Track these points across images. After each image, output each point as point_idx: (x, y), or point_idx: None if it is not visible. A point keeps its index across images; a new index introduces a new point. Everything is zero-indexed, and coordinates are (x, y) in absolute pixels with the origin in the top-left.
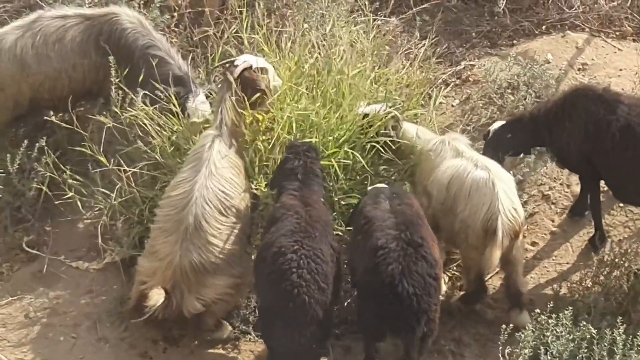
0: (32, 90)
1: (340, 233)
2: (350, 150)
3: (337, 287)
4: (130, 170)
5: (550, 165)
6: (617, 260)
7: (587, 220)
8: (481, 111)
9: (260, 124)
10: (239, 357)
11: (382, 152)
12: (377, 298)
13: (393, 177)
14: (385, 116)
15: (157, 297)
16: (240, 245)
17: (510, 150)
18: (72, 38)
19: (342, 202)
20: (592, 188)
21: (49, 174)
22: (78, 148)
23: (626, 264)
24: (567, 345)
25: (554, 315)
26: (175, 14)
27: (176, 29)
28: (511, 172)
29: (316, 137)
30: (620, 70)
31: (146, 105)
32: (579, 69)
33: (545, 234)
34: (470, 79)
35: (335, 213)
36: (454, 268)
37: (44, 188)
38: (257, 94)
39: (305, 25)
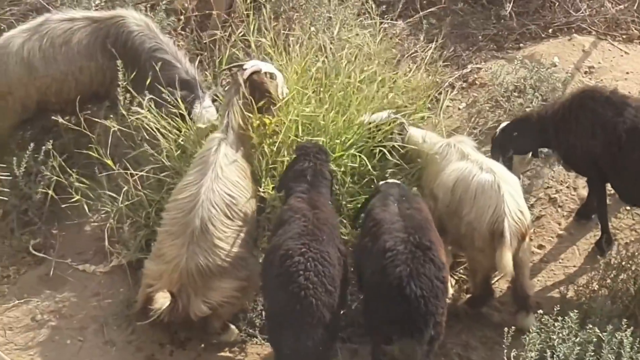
0: (39, 93)
1: (345, 237)
2: (358, 154)
3: (344, 290)
4: (137, 174)
5: (557, 168)
6: (623, 263)
7: (593, 223)
8: (488, 114)
9: (266, 127)
10: None
11: (389, 157)
12: (385, 300)
13: (400, 181)
14: (392, 122)
15: (162, 300)
16: (246, 248)
17: (517, 149)
18: (79, 41)
19: (349, 206)
20: (598, 190)
21: (55, 177)
22: (85, 151)
23: (633, 267)
24: (574, 348)
25: (560, 318)
26: (182, 17)
27: (183, 32)
28: (522, 172)
29: (323, 140)
30: (627, 73)
31: (152, 108)
32: (585, 72)
33: (552, 236)
34: (476, 82)
35: (341, 216)
36: (461, 271)
37: (50, 191)
38: (265, 98)
39: (312, 29)
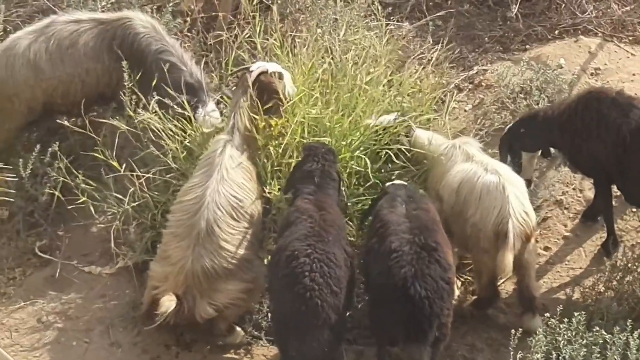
0: (45, 95)
1: (352, 239)
2: (363, 156)
3: (351, 291)
4: (143, 176)
5: (563, 170)
6: (629, 265)
7: (599, 225)
8: (494, 116)
9: (272, 129)
10: None
11: (395, 159)
12: (390, 301)
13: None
14: (398, 125)
15: (168, 303)
16: (252, 250)
17: (525, 146)
18: (85, 43)
19: (355, 207)
20: (604, 192)
21: (61, 178)
22: (91, 153)
23: (639, 269)
24: (580, 350)
25: (566, 320)
26: (188, 18)
27: (189, 34)
28: (533, 171)
29: (329, 142)
30: (634, 75)
31: (158, 110)
32: (591, 74)
33: (558, 238)
34: (483, 83)
35: (347, 217)
36: (467, 273)
37: (57, 193)
38: (273, 100)
39: (319, 30)
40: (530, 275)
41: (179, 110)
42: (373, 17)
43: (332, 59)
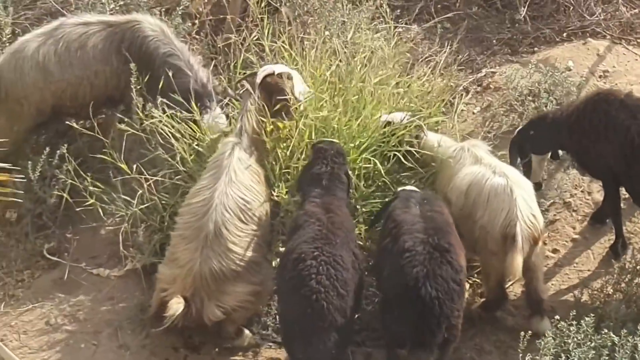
0: (54, 97)
1: (361, 242)
2: (372, 158)
3: (358, 293)
4: (151, 178)
5: (572, 172)
6: (638, 267)
7: (608, 227)
8: (502, 118)
9: (280, 132)
10: None
11: (404, 161)
12: (400, 300)
13: (414, 185)
14: (408, 125)
15: (176, 306)
16: (260, 253)
17: (534, 148)
18: (94, 45)
19: (363, 209)
20: (612, 194)
21: (70, 181)
22: (99, 155)
23: None
24: (588, 353)
25: (574, 323)
26: (197, 21)
27: (198, 36)
28: (543, 173)
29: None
30: None
31: (164, 112)
32: (600, 76)
33: (566, 241)
34: (491, 86)
35: (355, 219)
36: (475, 275)
37: (65, 195)
38: (281, 101)
39: (327, 33)
40: (538, 278)
41: (183, 115)
42: (381, 19)
43: (340, 61)
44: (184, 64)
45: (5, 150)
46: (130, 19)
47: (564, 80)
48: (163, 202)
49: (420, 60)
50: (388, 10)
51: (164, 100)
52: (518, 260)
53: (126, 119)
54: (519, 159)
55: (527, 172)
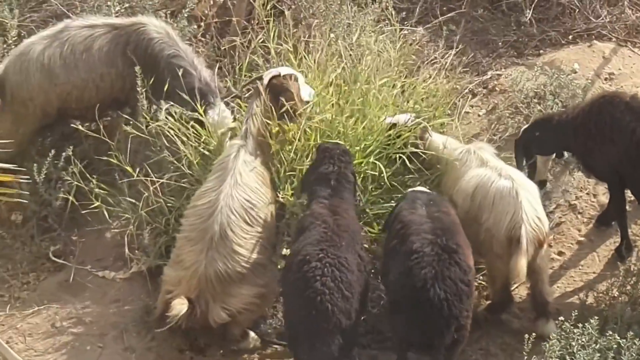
0: (59, 99)
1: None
2: (377, 162)
3: (364, 296)
4: (158, 181)
5: (577, 174)
6: None
7: (613, 229)
8: (508, 121)
9: (286, 134)
10: None
11: (409, 163)
12: (409, 302)
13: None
14: (414, 127)
15: (179, 307)
16: (265, 255)
17: (539, 149)
18: (99, 47)
19: (369, 211)
20: (617, 196)
21: (75, 183)
22: (105, 158)
23: None
24: (593, 355)
25: (580, 325)
26: (202, 23)
27: (203, 39)
28: (548, 174)
29: None
30: None
31: (170, 114)
32: (605, 79)
33: (571, 243)
34: (496, 88)
35: (362, 222)
36: (480, 277)
37: (71, 197)
38: (289, 101)
39: (332, 35)
40: (544, 280)
41: (189, 114)
42: (387, 21)
43: (346, 63)
44: (188, 64)
45: (11, 152)
46: (136, 21)
47: (569, 82)
48: (169, 204)
49: (426, 62)
50: (393, 12)
51: (170, 101)
52: (523, 263)
53: (131, 121)
54: (524, 160)
55: (532, 172)
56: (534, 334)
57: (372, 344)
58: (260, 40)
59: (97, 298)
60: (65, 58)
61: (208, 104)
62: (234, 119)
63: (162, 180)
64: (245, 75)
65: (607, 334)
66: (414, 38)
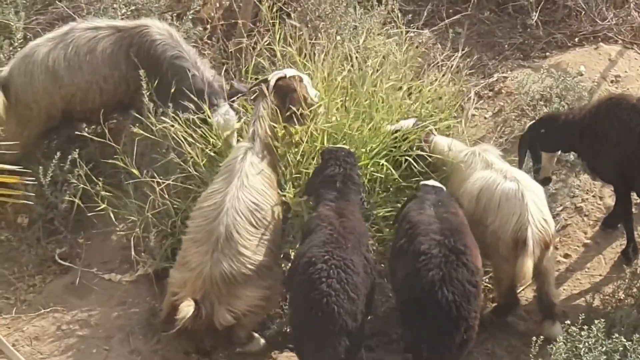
0: (64, 102)
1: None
2: (384, 162)
3: (370, 298)
4: (163, 183)
5: (583, 177)
6: None
7: (619, 232)
8: (514, 123)
9: (292, 137)
10: None
11: (414, 165)
12: (417, 303)
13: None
14: (419, 130)
15: (187, 309)
16: (270, 257)
17: (544, 146)
18: (103, 50)
19: (375, 213)
20: (623, 199)
21: (81, 186)
22: (111, 161)
23: None
24: (600, 358)
25: (586, 327)
26: (209, 26)
27: (209, 41)
28: (553, 171)
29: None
30: None
31: (176, 116)
32: (611, 81)
33: (578, 246)
34: (502, 91)
35: (368, 223)
36: (486, 280)
37: (77, 200)
38: (296, 103)
39: (338, 38)
40: (550, 283)
41: (192, 115)
42: (393, 24)
43: (352, 66)
44: (191, 66)
45: (16, 154)
46: (139, 24)
47: (575, 85)
48: (175, 206)
49: (432, 65)
50: (399, 15)
51: (174, 103)
52: (529, 265)
53: (137, 124)
54: (526, 156)
55: (537, 166)
56: (540, 336)
57: (378, 346)
58: (267, 43)
59: (103, 301)
60: (69, 60)
61: (211, 106)
62: (239, 120)
63: (168, 182)
64: (251, 78)
65: (614, 337)
66: (420, 40)
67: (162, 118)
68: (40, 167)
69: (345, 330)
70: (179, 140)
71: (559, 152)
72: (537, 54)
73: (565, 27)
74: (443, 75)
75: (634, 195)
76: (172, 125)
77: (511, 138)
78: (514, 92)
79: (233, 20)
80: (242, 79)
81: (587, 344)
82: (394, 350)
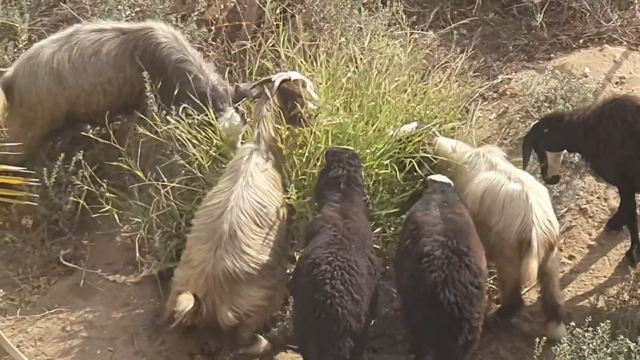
0: (68, 103)
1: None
2: (389, 162)
3: (374, 299)
4: (168, 185)
5: (588, 178)
6: None
7: (624, 233)
8: (518, 125)
9: (296, 138)
10: None
11: (418, 167)
12: (421, 305)
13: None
14: (424, 132)
15: (185, 302)
16: (274, 257)
17: (549, 145)
18: (107, 52)
19: (379, 213)
20: (628, 200)
21: (86, 187)
22: (115, 162)
23: None
24: (604, 359)
25: (590, 329)
26: (213, 27)
27: (213, 43)
28: (559, 170)
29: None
30: None
31: (183, 118)
32: (616, 83)
33: (582, 247)
34: (507, 92)
35: (372, 224)
36: (491, 281)
37: (81, 201)
38: (298, 105)
39: (343, 39)
40: (554, 284)
41: (197, 118)
42: (397, 25)
43: (356, 67)
44: (196, 69)
45: (21, 155)
46: (144, 26)
47: (580, 86)
48: (179, 208)
49: (437, 66)
50: (404, 16)
51: (179, 106)
52: (533, 266)
53: (141, 125)
54: (531, 157)
55: (543, 166)
56: (544, 337)
57: (382, 348)
58: (271, 45)
59: (108, 302)
60: (74, 62)
61: (216, 111)
62: (244, 123)
63: (172, 184)
64: (255, 79)
65: (618, 338)
66: (424, 42)
67: (168, 118)
68: (45, 169)
69: (349, 331)
70: (184, 142)
71: (565, 151)
72: (541, 55)
73: (569, 29)
74: (448, 77)
75: (638, 197)
76: (177, 127)
77: (516, 139)
78: (518, 94)
79: (237, 22)
80: (246, 80)
81: (591, 346)
82: (398, 351)
